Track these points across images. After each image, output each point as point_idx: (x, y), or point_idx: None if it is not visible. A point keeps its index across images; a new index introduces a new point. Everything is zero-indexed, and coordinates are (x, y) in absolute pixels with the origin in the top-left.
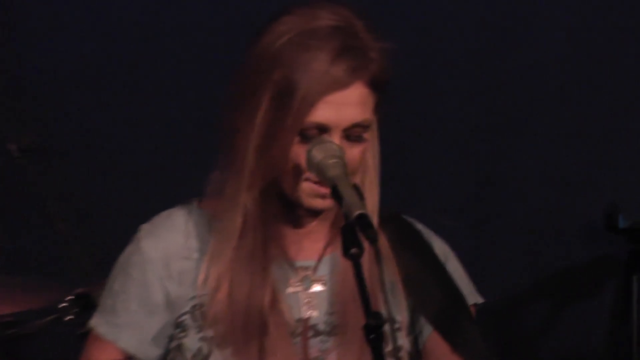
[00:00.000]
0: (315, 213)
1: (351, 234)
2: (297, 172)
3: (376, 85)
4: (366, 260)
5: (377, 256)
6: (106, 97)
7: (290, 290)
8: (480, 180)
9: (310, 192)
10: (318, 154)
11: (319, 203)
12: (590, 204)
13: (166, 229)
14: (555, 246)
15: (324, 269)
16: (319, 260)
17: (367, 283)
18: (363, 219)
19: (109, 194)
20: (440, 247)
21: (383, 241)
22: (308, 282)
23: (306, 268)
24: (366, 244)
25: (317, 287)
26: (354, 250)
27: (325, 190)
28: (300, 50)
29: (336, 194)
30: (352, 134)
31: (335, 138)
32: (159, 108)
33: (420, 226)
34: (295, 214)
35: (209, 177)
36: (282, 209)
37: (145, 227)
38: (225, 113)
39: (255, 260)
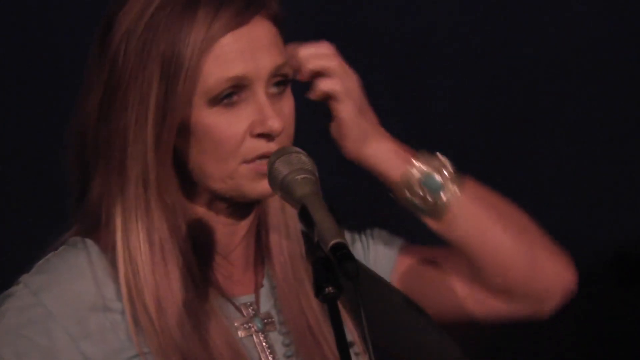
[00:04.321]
0: (249, 207)
1: (325, 268)
2: (226, 155)
3: (280, 25)
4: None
5: (357, 295)
6: None
7: (242, 334)
8: None
9: (251, 175)
10: (283, 168)
11: (265, 186)
12: (620, 225)
13: (70, 276)
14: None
15: (266, 304)
16: (257, 293)
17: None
18: (340, 249)
19: None
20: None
21: None
22: (258, 321)
23: (249, 305)
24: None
25: (267, 328)
26: (329, 290)
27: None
28: (177, 8)
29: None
30: (276, 83)
31: (260, 94)
32: None
33: None
34: (220, 221)
35: (83, 204)
36: (200, 220)
37: (38, 278)
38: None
39: (194, 300)
